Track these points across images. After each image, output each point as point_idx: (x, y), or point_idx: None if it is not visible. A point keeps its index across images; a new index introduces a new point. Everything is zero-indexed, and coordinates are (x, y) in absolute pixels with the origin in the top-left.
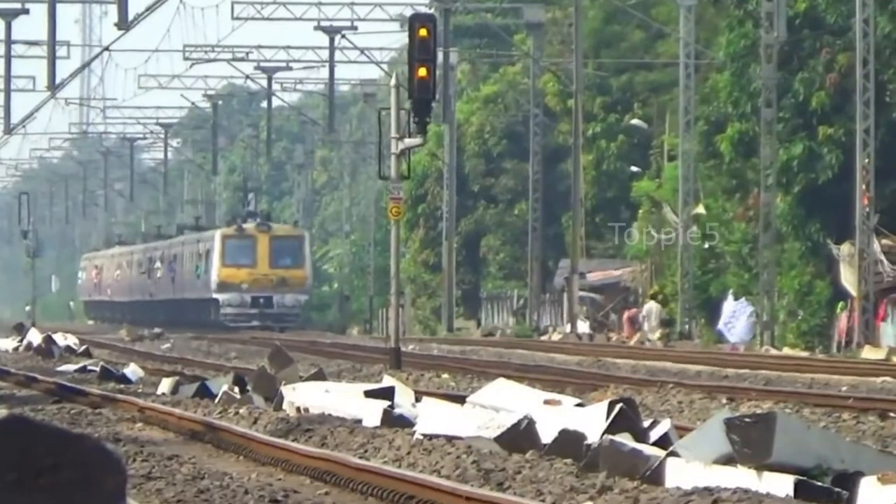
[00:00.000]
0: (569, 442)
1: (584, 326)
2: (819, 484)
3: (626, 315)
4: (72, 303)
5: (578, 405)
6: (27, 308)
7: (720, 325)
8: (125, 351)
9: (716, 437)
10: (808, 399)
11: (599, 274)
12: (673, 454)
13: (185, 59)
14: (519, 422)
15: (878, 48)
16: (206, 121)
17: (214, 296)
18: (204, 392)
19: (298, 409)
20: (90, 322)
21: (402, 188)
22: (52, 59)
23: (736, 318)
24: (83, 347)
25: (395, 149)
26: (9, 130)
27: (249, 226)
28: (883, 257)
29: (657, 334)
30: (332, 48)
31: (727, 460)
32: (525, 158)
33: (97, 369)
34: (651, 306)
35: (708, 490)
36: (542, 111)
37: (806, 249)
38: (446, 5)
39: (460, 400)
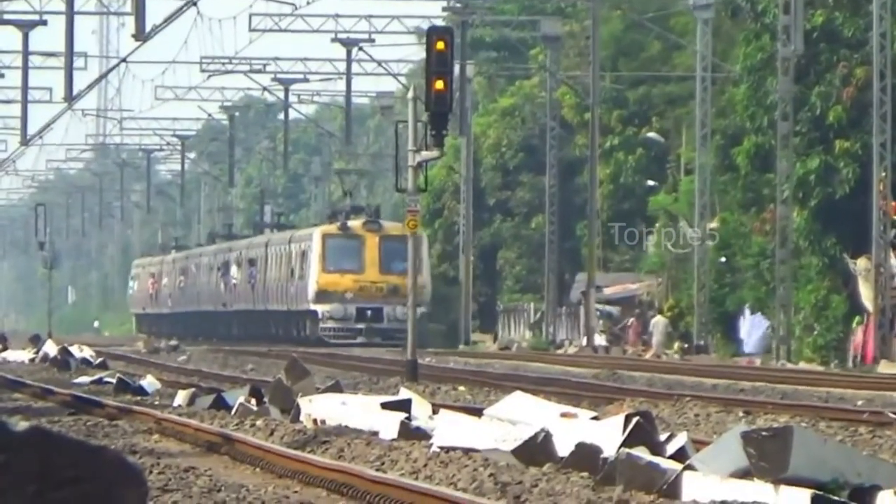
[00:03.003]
0: (585, 455)
1: (600, 339)
2: (835, 498)
3: (631, 325)
4: (96, 322)
5: (594, 418)
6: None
7: (744, 342)
8: (141, 363)
9: (733, 451)
10: (824, 413)
11: (616, 287)
12: (690, 468)
13: (202, 70)
14: (535, 435)
15: (895, 62)
16: (222, 133)
17: (312, 307)
18: (220, 404)
19: (315, 421)
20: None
21: (419, 201)
22: (69, 71)
23: (752, 332)
24: (99, 359)
25: (412, 161)
26: (25, 142)
27: (356, 223)
28: None
29: (674, 347)
30: (349, 60)
31: (744, 474)
32: (541, 172)
33: (113, 381)
34: (658, 320)
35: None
36: (558, 124)
37: (822, 264)
38: (463, 18)
39: (477, 413)
